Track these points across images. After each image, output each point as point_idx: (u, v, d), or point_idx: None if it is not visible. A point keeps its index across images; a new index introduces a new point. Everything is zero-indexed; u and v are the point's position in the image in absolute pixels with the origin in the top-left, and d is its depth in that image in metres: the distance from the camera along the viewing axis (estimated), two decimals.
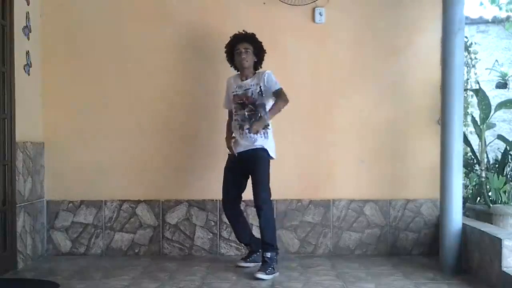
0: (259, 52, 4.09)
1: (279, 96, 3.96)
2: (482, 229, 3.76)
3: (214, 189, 4.27)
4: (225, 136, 4.17)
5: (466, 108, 5.27)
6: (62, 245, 4.57)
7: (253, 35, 4.08)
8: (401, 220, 4.57)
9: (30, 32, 4.31)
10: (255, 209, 3.96)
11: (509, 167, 5.24)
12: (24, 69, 4.22)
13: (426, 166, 4.49)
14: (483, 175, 4.98)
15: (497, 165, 5.23)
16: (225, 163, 4.13)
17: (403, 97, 4.58)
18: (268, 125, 3.98)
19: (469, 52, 5.93)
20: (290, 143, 4.49)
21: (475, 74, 5.96)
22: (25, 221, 4.18)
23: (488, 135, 5.40)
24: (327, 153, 4.58)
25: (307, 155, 4.58)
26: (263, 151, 3.97)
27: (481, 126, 5.02)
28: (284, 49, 4.52)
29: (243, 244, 4.31)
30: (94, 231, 4.57)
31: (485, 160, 5.06)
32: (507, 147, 5.19)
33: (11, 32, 3.99)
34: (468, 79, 5.86)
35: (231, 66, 4.18)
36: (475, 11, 9.53)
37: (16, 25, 4.05)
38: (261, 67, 4.13)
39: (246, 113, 3.98)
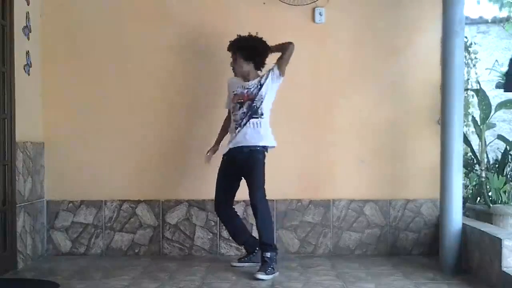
0: (251, 56, 3.98)
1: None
2: (482, 229, 3.76)
3: (214, 189, 4.25)
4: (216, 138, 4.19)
5: (466, 108, 5.26)
6: (62, 245, 4.57)
7: (240, 41, 3.98)
8: (401, 220, 4.56)
9: (30, 32, 4.31)
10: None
11: (509, 167, 5.24)
12: (24, 69, 4.22)
13: (426, 166, 4.49)
14: (483, 175, 4.98)
15: (497, 165, 5.22)
16: (219, 166, 4.12)
17: (403, 97, 4.58)
18: (262, 115, 3.95)
19: (469, 52, 5.92)
20: (290, 143, 4.48)
21: (476, 74, 5.96)
22: (25, 221, 4.17)
23: (488, 135, 5.40)
24: (327, 153, 4.58)
25: (307, 155, 4.57)
26: (259, 153, 3.95)
27: (481, 126, 5.02)
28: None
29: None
30: (94, 231, 4.57)
31: (485, 160, 5.06)
32: (507, 147, 5.19)
33: (11, 32, 3.99)
34: (468, 79, 5.85)
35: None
36: (475, 11, 9.56)
37: (16, 25, 4.04)
38: (262, 68, 4.09)
39: (244, 109, 3.96)
